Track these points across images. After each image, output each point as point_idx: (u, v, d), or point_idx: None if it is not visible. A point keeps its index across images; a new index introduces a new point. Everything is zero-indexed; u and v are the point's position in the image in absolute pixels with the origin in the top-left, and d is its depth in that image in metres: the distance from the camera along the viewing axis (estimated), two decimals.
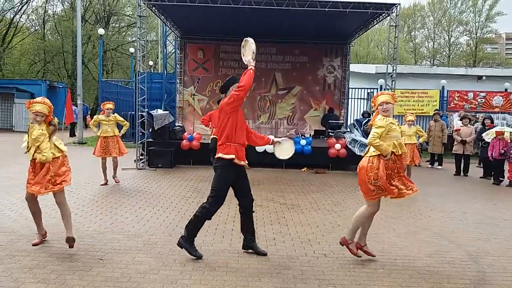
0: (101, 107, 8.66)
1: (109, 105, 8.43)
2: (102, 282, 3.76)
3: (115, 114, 8.52)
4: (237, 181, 4.50)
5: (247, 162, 4.55)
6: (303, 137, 11.50)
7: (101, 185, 8.17)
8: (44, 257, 4.31)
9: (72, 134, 19.46)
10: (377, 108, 4.59)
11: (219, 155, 4.44)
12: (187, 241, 4.42)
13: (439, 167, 12.61)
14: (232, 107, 4.42)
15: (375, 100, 4.60)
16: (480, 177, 10.97)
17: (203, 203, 4.46)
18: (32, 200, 4.67)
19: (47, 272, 3.94)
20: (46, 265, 4.11)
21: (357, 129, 11.61)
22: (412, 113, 10.29)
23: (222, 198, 4.43)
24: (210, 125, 9.35)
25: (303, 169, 11.18)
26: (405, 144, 8.56)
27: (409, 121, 9.32)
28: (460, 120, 12.64)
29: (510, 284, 4.05)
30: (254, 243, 4.64)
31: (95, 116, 8.74)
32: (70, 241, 4.44)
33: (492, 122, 11.65)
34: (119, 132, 8.51)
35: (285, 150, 5.13)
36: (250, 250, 4.62)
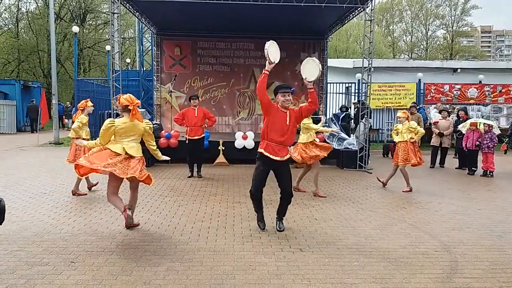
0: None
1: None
2: (72, 286, 3.67)
3: None
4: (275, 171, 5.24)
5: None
6: None
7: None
8: (13, 261, 4.19)
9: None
10: None
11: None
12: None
13: None
14: (262, 109, 5.21)
15: None
16: (456, 168, 11.17)
17: None
18: None
19: (15, 278, 3.83)
20: (15, 270, 4.00)
21: (335, 123, 11.68)
22: (404, 110, 9.19)
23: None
24: (184, 124, 9.27)
25: None
26: (398, 142, 8.17)
27: (398, 117, 8.37)
28: (439, 113, 12.80)
29: (481, 273, 4.13)
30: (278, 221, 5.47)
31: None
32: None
33: (466, 113, 11.85)
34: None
35: (311, 71, 5.14)
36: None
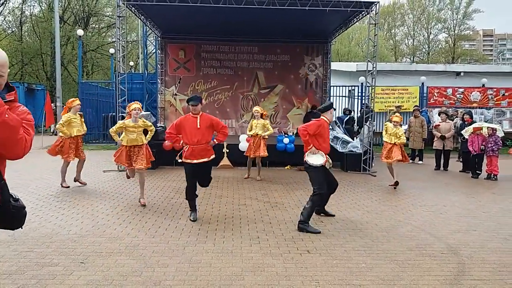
0: (127, 109, 7.03)
1: (136, 105, 6.75)
2: (83, 286, 3.71)
3: (143, 118, 6.95)
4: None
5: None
6: (286, 135, 11.54)
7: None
8: (23, 262, 4.23)
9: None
10: None
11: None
12: (305, 223, 5.45)
13: (420, 162, 12.81)
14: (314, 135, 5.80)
15: None
16: (460, 171, 11.18)
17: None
18: None
19: (27, 278, 3.87)
20: (25, 270, 4.03)
21: (339, 126, 11.72)
22: (398, 115, 9.59)
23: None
24: (180, 140, 6.14)
25: (286, 167, 11.22)
26: (385, 142, 8.81)
27: (394, 121, 8.71)
28: (438, 115, 12.83)
29: (488, 275, 4.15)
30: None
31: (119, 122, 7.01)
32: None
33: (471, 117, 11.85)
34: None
35: (317, 159, 5.85)
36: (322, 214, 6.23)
